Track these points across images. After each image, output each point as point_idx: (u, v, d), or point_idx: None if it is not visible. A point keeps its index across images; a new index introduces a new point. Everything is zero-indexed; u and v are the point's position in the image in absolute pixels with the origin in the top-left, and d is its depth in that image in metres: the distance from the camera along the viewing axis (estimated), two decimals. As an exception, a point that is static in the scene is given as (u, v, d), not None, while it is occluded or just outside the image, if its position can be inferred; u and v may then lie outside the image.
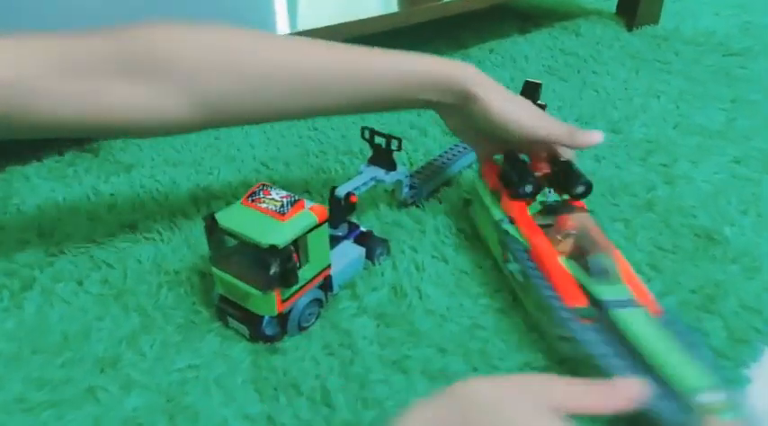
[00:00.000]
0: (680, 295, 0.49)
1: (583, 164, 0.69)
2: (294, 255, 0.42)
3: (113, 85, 0.42)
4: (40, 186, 0.65)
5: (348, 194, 0.52)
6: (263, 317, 0.44)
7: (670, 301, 0.48)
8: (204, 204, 0.62)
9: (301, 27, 0.80)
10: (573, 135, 0.50)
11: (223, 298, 0.46)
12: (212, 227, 0.43)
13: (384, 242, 0.54)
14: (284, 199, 0.43)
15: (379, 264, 0.53)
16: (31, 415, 0.39)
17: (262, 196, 0.44)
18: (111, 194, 0.64)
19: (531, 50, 1.07)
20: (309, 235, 0.44)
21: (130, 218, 0.59)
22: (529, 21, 1.21)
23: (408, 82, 0.50)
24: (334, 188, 0.52)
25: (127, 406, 0.40)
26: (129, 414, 0.40)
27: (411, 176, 0.61)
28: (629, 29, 1.16)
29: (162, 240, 0.56)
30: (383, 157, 0.55)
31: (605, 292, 0.42)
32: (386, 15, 0.87)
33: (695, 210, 0.60)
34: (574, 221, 0.46)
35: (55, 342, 0.45)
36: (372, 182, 0.55)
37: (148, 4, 0.86)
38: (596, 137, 0.50)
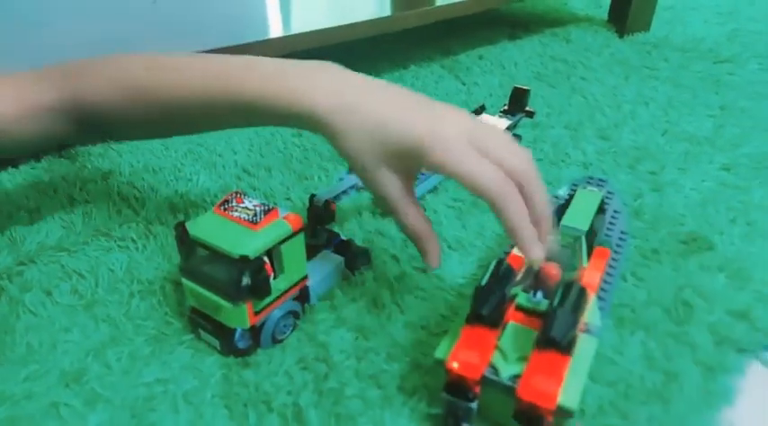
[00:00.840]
0: (664, 303, 0.48)
1: (571, 172, 0.69)
2: (267, 266, 0.41)
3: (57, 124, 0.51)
4: (13, 193, 0.63)
5: (327, 201, 0.50)
6: (234, 330, 0.42)
7: (654, 311, 0.47)
8: (182, 211, 0.60)
9: (294, 30, 0.79)
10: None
11: (195, 310, 0.44)
12: (183, 237, 0.42)
13: (365, 251, 0.53)
14: (257, 208, 0.42)
15: (360, 274, 0.51)
16: (-11, 433, 0.38)
17: (234, 204, 0.43)
18: (87, 202, 0.62)
19: (520, 57, 1.06)
20: (283, 246, 0.42)
21: (105, 226, 0.58)
22: (519, 27, 1.21)
23: (271, 112, 0.43)
24: (313, 195, 0.51)
25: (90, 422, 0.38)
26: (91, 432, 0.38)
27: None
28: (620, 36, 1.16)
29: (136, 248, 0.55)
30: (364, 164, 0.54)
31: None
32: (376, 20, 0.87)
33: (683, 218, 0.59)
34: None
35: (20, 355, 0.44)
36: (353, 190, 0.53)
37: (145, 12, 0.86)
38: None
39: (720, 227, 0.57)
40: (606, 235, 0.52)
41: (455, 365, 0.36)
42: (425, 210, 0.44)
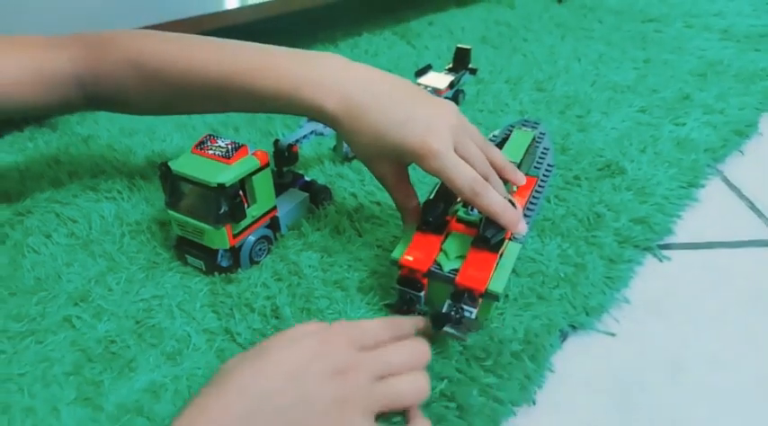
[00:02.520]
0: (579, 215, 0.57)
1: (509, 117, 0.77)
2: (241, 194, 0.48)
3: (71, 92, 0.53)
4: (2, 159, 0.69)
5: (290, 145, 0.58)
6: (217, 251, 0.50)
7: (570, 222, 0.56)
8: (161, 166, 0.67)
9: (250, 1, 0.85)
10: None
11: (180, 239, 0.52)
12: (166, 174, 0.49)
13: (326, 189, 0.60)
14: (229, 146, 0.49)
15: (323, 208, 0.59)
16: (14, 341, 0.45)
17: (209, 144, 0.50)
18: (71, 162, 0.68)
19: (467, 22, 1.14)
20: (254, 177, 0.50)
21: (91, 182, 0.64)
22: (467, -5, 1.28)
23: (284, 105, 0.48)
24: (277, 140, 0.58)
25: (100, 330, 0.46)
26: (102, 335, 0.45)
27: (350, 133, 0.67)
28: (559, 1, 1.25)
29: (123, 198, 0.61)
30: (322, 113, 0.61)
31: None
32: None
33: (602, 151, 0.68)
34: None
35: (29, 285, 0.50)
36: (312, 135, 0.61)
37: None
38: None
39: (632, 156, 0.67)
40: (536, 167, 0.60)
41: (409, 258, 0.45)
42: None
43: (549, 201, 0.60)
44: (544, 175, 0.60)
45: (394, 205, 0.50)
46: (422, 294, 0.45)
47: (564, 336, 0.46)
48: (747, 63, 0.93)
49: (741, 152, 0.72)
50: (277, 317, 0.47)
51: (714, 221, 0.60)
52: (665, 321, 0.49)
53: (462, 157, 0.45)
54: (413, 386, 0.38)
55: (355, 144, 0.48)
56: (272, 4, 0.86)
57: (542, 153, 0.63)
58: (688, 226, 0.59)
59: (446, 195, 0.48)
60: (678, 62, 0.94)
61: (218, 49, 0.50)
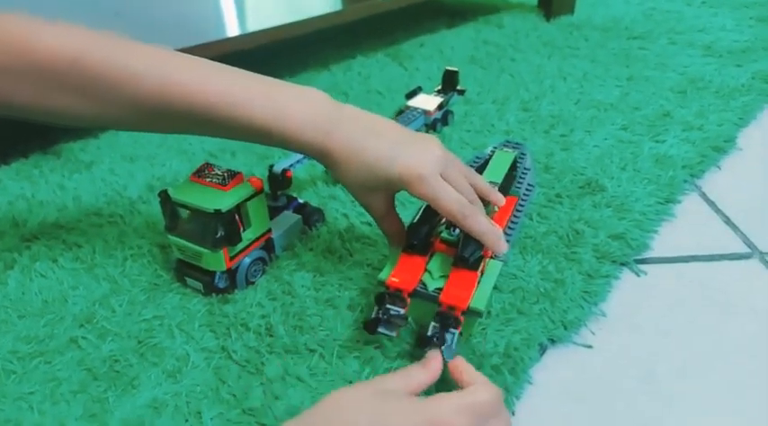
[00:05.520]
0: (559, 232, 0.60)
1: (495, 137, 0.80)
2: (237, 219, 0.51)
3: None
4: (9, 186, 0.72)
5: (284, 170, 0.61)
6: (215, 273, 0.52)
7: (551, 239, 0.59)
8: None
9: (250, 29, 0.88)
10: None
11: (180, 261, 0.55)
12: (166, 201, 0.52)
13: (319, 211, 0.63)
14: (225, 174, 0.52)
15: (316, 229, 0.62)
16: (24, 362, 0.47)
17: (206, 172, 0.53)
18: (75, 188, 0.71)
19: (457, 43, 1.17)
20: (249, 203, 0.53)
21: (94, 207, 0.67)
22: (457, 16, 1.32)
23: (275, 141, 0.48)
24: (271, 166, 0.61)
25: (104, 350, 0.48)
26: (106, 355, 0.48)
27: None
28: (547, 19, 1.28)
29: (124, 222, 0.64)
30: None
31: None
32: (326, 15, 0.96)
33: (583, 169, 0.71)
34: None
35: (37, 308, 0.53)
36: (306, 160, 0.64)
37: (108, 23, 0.94)
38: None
39: (612, 174, 0.70)
40: (516, 187, 0.63)
41: (395, 280, 0.47)
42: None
43: (531, 219, 0.63)
44: (524, 194, 0.63)
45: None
46: (403, 311, 0.48)
47: (543, 349, 0.49)
48: (728, 79, 0.96)
49: (718, 167, 0.75)
50: (271, 335, 0.49)
51: (690, 236, 0.63)
52: (639, 333, 0.51)
53: (450, 184, 0.47)
54: None
55: (343, 178, 0.49)
56: (266, 33, 0.89)
57: (523, 172, 0.66)
58: (665, 241, 0.61)
59: (429, 218, 0.51)
60: (660, 79, 0.97)
61: (198, 69, 0.47)
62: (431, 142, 0.49)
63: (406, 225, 0.52)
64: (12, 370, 0.47)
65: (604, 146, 0.77)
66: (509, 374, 0.45)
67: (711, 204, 0.68)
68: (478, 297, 0.46)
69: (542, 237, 0.59)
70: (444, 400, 0.37)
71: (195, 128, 0.50)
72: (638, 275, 0.57)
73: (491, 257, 0.50)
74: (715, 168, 0.75)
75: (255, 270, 0.55)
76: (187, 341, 0.49)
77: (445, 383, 0.42)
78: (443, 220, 0.52)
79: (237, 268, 0.54)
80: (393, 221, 0.53)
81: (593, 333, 0.51)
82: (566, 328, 0.50)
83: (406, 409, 0.36)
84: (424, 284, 0.48)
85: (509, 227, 0.57)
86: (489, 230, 0.47)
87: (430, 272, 0.49)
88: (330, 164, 0.49)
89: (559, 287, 0.53)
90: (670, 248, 0.61)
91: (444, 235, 0.51)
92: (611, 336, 0.51)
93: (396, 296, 0.47)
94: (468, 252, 0.47)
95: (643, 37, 1.17)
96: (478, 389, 0.38)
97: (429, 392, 0.41)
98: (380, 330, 0.46)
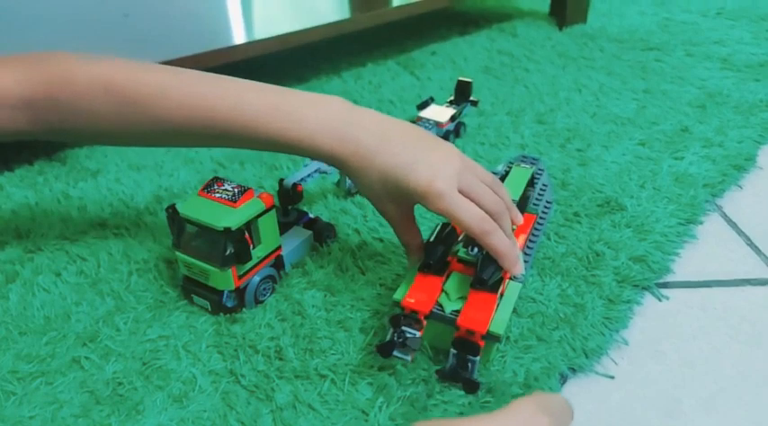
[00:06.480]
0: (579, 253, 0.58)
1: (510, 151, 0.78)
2: (246, 237, 0.50)
3: (15, 115, 0.49)
4: (13, 193, 0.70)
5: (294, 184, 0.59)
6: (222, 292, 0.51)
7: (570, 261, 0.57)
8: (167, 202, 0.68)
9: (258, 36, 0.87)
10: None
11: (187, 278, 0.53)
12: (174, 216, 0.50)
13: (330, 226, 0.61)
14: (235, 189, 0.51)
15: (327, 246, 0.60)
16: (24, 383, 0.46)
17: (216, 187, 0.51)
18: (80, 197, 0.70)
19: (469, 52, 1.16)
20: (259, 220, 0.51)
21: (100, 217, 0.66)
22: (470, 24, 1.31)
23: (290, 150, 0.49)
24: (281, 180, 0.59)
25: (108, 371, 0.47)
26: (110, 377, 0.46)
27: (354, 168, 0.69)
28: (560, 28, 1.27)
29: (130, 235, 0.63)
30: (326, 152, 0.63)
31: None
32: (336, 23, 0.95)
33: (602, 187, 0.69)
34: None
35: (39, 325, 0.51)
36: (317, 174, 0.62)
37: (117, 25, 0.92)
38: None
39: (631, 192, 0.68)
40: (534, 204, 0.61)
41: (411, 301, 0.46)
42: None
43: (549, 239, 0.61)
44: (543, 212, 0.61)
45: (397, 241, 0.52)
46: (418, 334, 0.46)
47: (563, 379, 0.47)
48: (747, 94, 0.94)
49: (740, 186, 0.73)
50: (281, 359, 0.47)
51: (712, 259, 0.61)
52: (662, 362, 0.49)
53: (471, 197, 0.46)
54: None
55: (362, 185, 0.49)
56: (276, 40, 0.87)
57: (541, 189, 0.64)
58: (686, 264, 0.59)
59: (447, 236, 0.49)
60: (678, 92, 0.95)
61: (218, 87, 0.49)
62: (449, 151, 0.48)
63: (425, 240, 0.50)
64: (11, 392, 0.45)
65: (622, 162, 0.75)
66: (529, 406, 0.43)
67: (733, 225, 0.66)
68: (498, 321, 0.44)
69: (561, 259, 0.57)
70: (521, 404, 0.32)
71: (215, 141, 0.51)
72: (660, 300, 0.55)
73: (510, 278, 0.48)
74: (736, 187, 0.73)
75: (265, 289, 0.54)
76: (194, 363, 0.47)
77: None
78: (461, 236, 0.51)
79: (246, 287, 0.52)
80: (411, 232, 0.51)
81: (616, 363, 0.49)
82: (587, 357, 0.48)
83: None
84: (440, 306, 0.46)
85: (527, 247, 0.56)
86: (508, 251, 0.45)
87: (447, 293, 0.47)
88: (347, 171, 0.49)
89: (579, 312, 0.51)
90: (692, 272, 0.59)
91: (462, 254, 0.49)
92: (633, 366, 0.49)
93: (411, 317, 0.45)
94: (487, 274, 0.45)
95: (659, 48, 1.15)
96: (538, 392, 0.35)
97: None
98: (395, 354, 0.44)
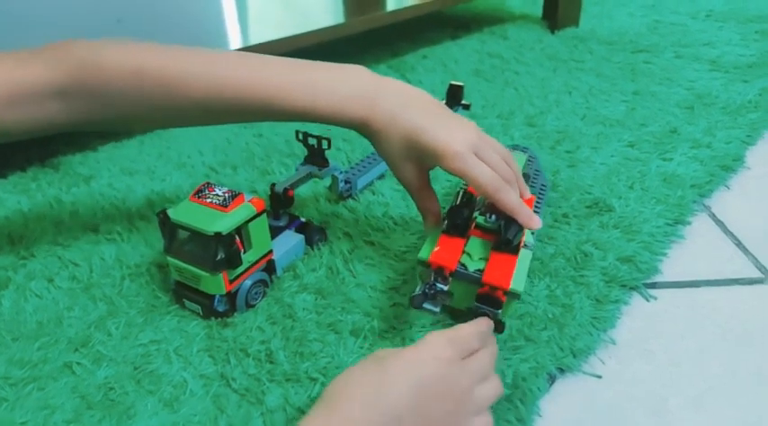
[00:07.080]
0: (567, 254, 0.58)
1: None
2: (237, 241, 0.50)
3: (49, 106, 0.49)
4: (6, 199, 0.71)
5: (286, 189, 0.59)
6: (214, 296, 0.51)
7: (559, 262, 0.58)
8: (159, 207, 0.68)
9: (253, 41, 0.87)
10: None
11: (178, 283, 0.53)
12: (165, 221, 0.51)
13: (322, 230, 0.62)
14: (226, 194, 0.51)
15: (318, 249, 0.61)
16: (17, 388, 0.46)
17: (207, 192, 0.51)
18: (73, 203, 0.70)
19: (460, 55, 1.16)
20: (250, 224, 0.51)
21: (92, 223, 0.66)
22: (461, 27, 1.31)
23: (320, 119, 0.51)
24: (273, 184, 0.60)
25: (99, 376, 0.47)
26: (101, 382, 0.46)
27: (346, 172, 0.69)
28: (552, 31, 1.27)
29: (122, 240, 0.63)
30: (316, 156, 0.63)
31: None
32: (329, 28, 0.95)
33: (590, 188, 0.70)
34: None
35: (31, 330, 0.51)
36: (308, 179, 0.63)
37: (110, 29, 0.93)
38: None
39: (620, 193, 0.69)
40: (531, 185, 0.63)
41: (438, 258, 0.48)
42: (375, 194, 0.53)
43: (539, 240, 0.61)
44: (539, 194, 0.63)
45: (388, 245, 0.52)
46: (446, 287, 0.47)
47: (552, 379, 0.48)
48: (735, 95, 0.95)
49: (727, 187, 0.74)
50: (271, 362, 0.48)
51: (700, 259, 0.61)
52: (650, 362, 0.50)
53: (484, 162, 0.48)
54: (496, 389, 0.41)
55: (383, 148, 0.51)
56: (270, 45, 0.88)
57: (535, 172, 0.66)
58: (674, 265, 0.60)
59: (468, 202, 0.52)
60: (666, 94, 0.96)
61: (244, 64, 0.50)
62: (468, 123, 0.50)
63: (445, 209, 0.52)
64: (4, 397, 0.45)
65: (611, 163, 0.76)
66: (520, 404, 0.44)
67: (721, 225, 0.67)
68: (517, 280, 0.46)
69: (550, 260, 0.58)
70: (432, 336, 0.39)
71: (245, 117, 0.53)
72: (648, 300, 0.56)
73: (522, 246, 0.50)
74: (723, 187, 0.74)
75: (256, 293, 0.54)
76: (185, 367, 0.48)
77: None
78: (478, 204, 0.53)
79: (237, 291, 0.52)
80: (429, 197, 0.53)
81: (603, 362, 0.49)
82: (575, 356, 0.49)
83: (401, 354, 0.38)
84: (463, 265, 0.48)
85: None
86: (521, 206, 0.47)
87: (469, 254, 0.49)
88: (369, 134, 0.51)
89: (568, 312, 0.52)
90: (680, 272, 0.59)
91: (480, 220, 0.51)
92: (621, 365, 0.49)
93: (438, 273, 0.47)
94: (511, 234, 0.47)
95: (648, 50, 1.16)
96: (462, 325, 0.42)
97: None
98: (425, 306, 0.46)
